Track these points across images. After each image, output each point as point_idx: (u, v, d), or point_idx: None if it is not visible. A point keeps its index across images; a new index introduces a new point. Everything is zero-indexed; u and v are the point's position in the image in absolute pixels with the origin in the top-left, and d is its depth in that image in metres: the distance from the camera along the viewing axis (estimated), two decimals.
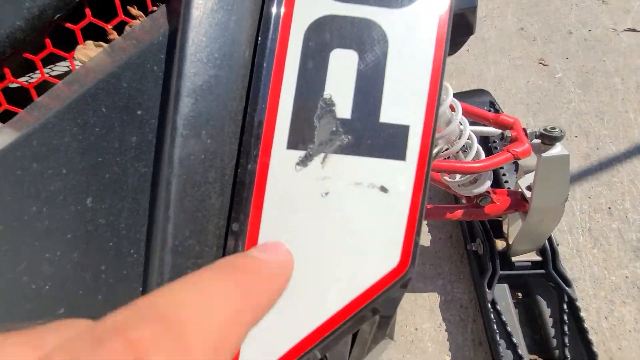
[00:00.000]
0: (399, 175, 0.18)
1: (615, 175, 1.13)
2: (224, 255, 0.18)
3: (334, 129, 0.18)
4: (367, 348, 0.24)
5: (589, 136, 1.23)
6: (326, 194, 0.18)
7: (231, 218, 0.18)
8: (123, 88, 0.19)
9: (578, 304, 0.84)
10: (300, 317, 0.18)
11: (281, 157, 0.18)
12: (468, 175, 0.78)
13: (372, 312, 0.18)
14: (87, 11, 0.24)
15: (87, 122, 0.19)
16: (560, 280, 0.86)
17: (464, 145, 0.69)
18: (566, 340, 0.81)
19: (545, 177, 0.72)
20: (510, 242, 0.90)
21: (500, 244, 0.93)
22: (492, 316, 0.86)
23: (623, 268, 0.98)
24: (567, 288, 0.85)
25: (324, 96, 0.18)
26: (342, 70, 0.18)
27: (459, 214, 0.82)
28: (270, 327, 0.17)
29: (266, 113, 0.18)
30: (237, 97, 0.18)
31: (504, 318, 0.86)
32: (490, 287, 0.89)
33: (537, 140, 0.71)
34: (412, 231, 0.18)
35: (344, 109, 0.18)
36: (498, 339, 0.83)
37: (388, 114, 0.18)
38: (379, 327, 0.22)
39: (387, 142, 0.18)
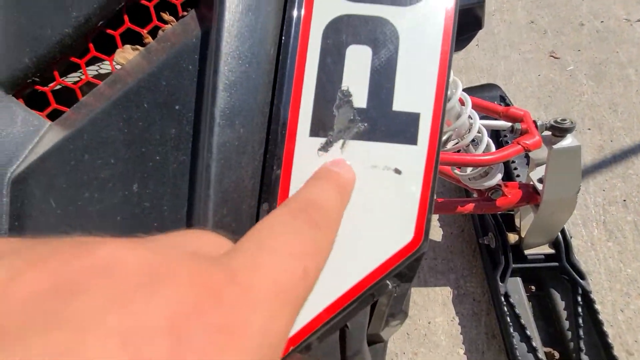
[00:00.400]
0: (411, 158, 0.20)
1: (630, 167, 1.12)
2: None
3: (352, 117, 0.20)
4: (384, 321, 0.25)
5: (602, 128, 1.22)
6: None
7: (261, 198, 0.20)
8: (162, 86, 0.21)
9: (592, 296, 0.84)
10: (324, 287, 0.20)
11: (305, 144, 0.20)
12: (479, 169, 0.79)
13: (389, 284, 0.20)
14: (125, 18, 0.26)
15: (131, 117, 0.22)
16: (574, 273, 0.86)
17: (474, 139, 0.70)
18: (581, 332, 0.81)
19: (556, 169, 0.72)
20: (523, 235, 0.91)
21: (512, 238, 0.93)
22: (505, 309, 0.86)
23: (639, 260, 0.97)
24: (581, 281, 0.85)
25: (342, 88, 0.20)
26: (357, 64, 0.20)
27: (470, 207, 0.83)
28: None
29: (290, 104, 0.20)
30: (265, 91, 0.20)
31: (517, 311, 0.86)
32: (503, 280, 0.89)
33: (548, 132, 0.71)
34: (425, 209, 0.20)
35: (360, 99, 0.20)
36: (512, 331, 0.84)
37: (400, 103, 0.20)
38: (396, 300, 0.24)
39: (400, 128, 0.20)
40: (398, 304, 0.24)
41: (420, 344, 0.96)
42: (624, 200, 1.06)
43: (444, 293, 1.02)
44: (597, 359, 0.79)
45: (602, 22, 1.49)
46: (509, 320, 0.85)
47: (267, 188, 0.20)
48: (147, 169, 0.21)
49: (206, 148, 0.19)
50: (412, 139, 0.20)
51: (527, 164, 1.03)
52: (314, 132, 0.20)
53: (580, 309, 0.83)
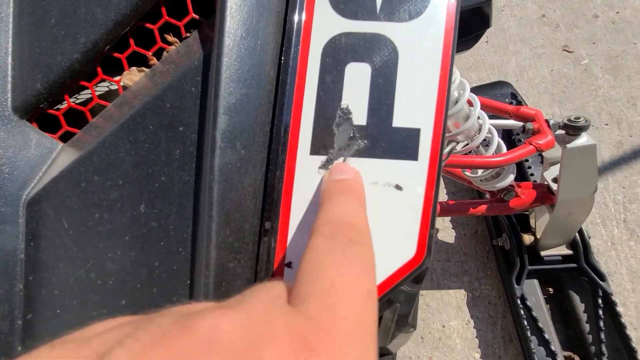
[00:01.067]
0: (412, 174, 0.20)
1: None
2: (258, 251, 0.20)
3: (352, 134, 0.21)
4: (391, 334, 0.25)
5: (620, 123, 1.18)
6: None
7: (263, 217, 0.20)
8: (167, 108, 0.22)
9: (614, 298, 0.81)
10: None
11: (305, 162, 0.21)
12: (490, 170, 0.78)
13: (391, 301, 0.20)
14: (131, 41, 0.27)
15: (138, 139, 0.22)
16: (593, 274, 0.84)
17: (484, 140, 0.69)
18: (602, 336, 0.78)
19: (571, 169, 0.70)
20: (538, 236, 0.88)
21: (527, 239, 0.91)
22: (522, 312, 0.84)
23: None
24: (601, 282, 0.83)
25: (342, 106, 0.21)
26: (357, 81, 0.20)
27: (482, 209, 0.82)
28: None
29: (290, 124, 0.20)
30: (265, 111, 0.20)
31: (534, 314, 0.84)
32: (519, 282, 0.87)
33: (561, 131, 0.69)
34: (427, 225, 0.19)
35: (360, 117, 0.20)
36: (529, 335, 0.82)
37: (400, 119, 0.20)
38: (401, 315, 0.24)
39: (400, 145, 0.20)
40: (404, 318, 0.24)
41: (434, 348, 0.94)
42: None
43: (458, 296, 1.00)
44: None
45: (617, 12, 1.44)
46: (526, 323, 0.83)
47: (269, 207, 0.20)
48: (153, 189, 0.22)
49: (208, 170, 0.19)
50: (412, 155, 0.20)
51: (542, 162, 1.01)
52: (315, 150, 0.21)
53: (601, 312, 0.80)
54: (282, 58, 0.21)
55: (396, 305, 0.21)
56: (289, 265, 0.19)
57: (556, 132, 0.70)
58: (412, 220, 0.20)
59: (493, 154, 0.69)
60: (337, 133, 0.20)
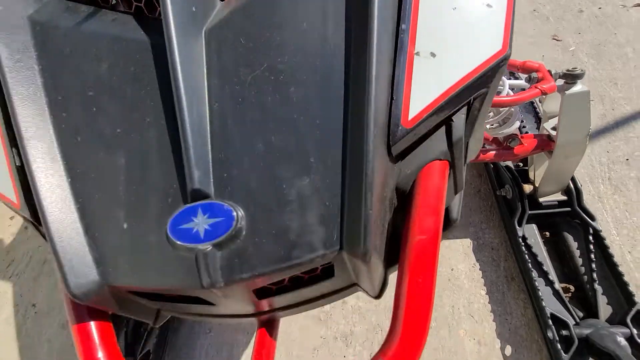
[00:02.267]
0: None
1: (631, 131, 1.22)
2: (396, 45, 0.29)
3: None
4: (474, 127, 0.34)
5: (604, 99, 1.32)
6: (454, 8, 0.30)
7: (400, 19, 0.30)
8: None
9: (603, 234, 0.93)
10: (440, 77, 0.29)
11: None
12: (498, 117, 0.89)
13: (483, 85, 0.29)
14: None
15: None
16: (584, 216, 0.95)
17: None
18: (594, 266, 0.90)
19: (568, 113, 0.82)
20: (537, 184, 1.00)
21: (527, 188, 1.02)
22: (524, 249, 0.95)
23: None
24: (591, 222, 0.94)
25: None
26: None
27: (491, 155, 0.93)
28: (425, 79, 0.29)
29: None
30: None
31: (534, 251, 0.95)
32: (520, 224, 0.98)
33: (561, 81, 0.82)
34: (509, 29, 0.29)
35: None
36: (530, 268, 0.93)
37: None
38: (477, 119, 0.33)
39: None
40: (463, 158, 0.33)
41: (444, 288, 1.04)
42: (627, 160, 1.16)
43: (464, 244, 1.10)
44: (610, 286, 0.87)
45: (599, 8, 1.62)
46: (527, 257, 0.94)
47: (403, 13, 0.30)
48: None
49: (367, 51, 0.28)
50: None
51: (536, 122, 1.14)
52: None
53: (592, 247, 0.92)
54: None
55: (485, 90, 0.30)
56: (417, 54, 0.29)
57: (556, 82, 0.82)
58: (499, 25, 0.29)
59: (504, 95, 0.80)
60: None
